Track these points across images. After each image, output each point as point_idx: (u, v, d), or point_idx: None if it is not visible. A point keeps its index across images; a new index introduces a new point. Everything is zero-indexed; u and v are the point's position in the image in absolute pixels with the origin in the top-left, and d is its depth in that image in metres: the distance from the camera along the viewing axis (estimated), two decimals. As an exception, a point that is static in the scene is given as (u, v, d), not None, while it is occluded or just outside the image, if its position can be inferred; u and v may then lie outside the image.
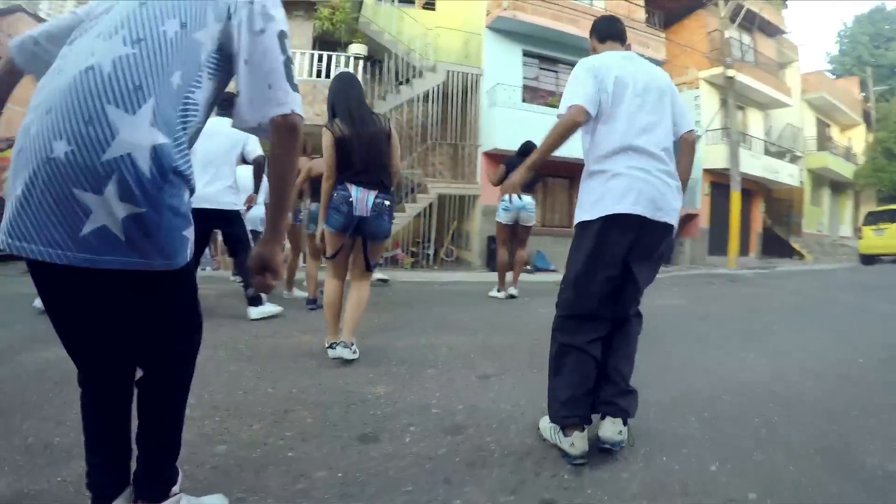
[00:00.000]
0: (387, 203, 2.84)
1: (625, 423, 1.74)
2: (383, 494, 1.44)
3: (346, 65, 9.50)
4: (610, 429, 1.70)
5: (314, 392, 2.27)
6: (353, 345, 2.76)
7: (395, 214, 10.09)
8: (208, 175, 3.94)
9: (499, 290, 5.51)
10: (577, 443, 1.64)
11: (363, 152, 2.78)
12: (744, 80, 13.49)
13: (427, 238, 10.36)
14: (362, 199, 2.78)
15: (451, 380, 2.51)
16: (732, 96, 12.32)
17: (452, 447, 1.75)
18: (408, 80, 10.19)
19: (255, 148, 4.10)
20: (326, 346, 2.83)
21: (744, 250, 15.34)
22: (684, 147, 1.93)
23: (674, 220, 1.77)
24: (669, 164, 1.80)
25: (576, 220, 1.84)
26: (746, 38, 15.21)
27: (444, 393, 2.31)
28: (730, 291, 6.65)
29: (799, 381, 2.55)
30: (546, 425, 1.79)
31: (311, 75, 9.50)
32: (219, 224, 4.01)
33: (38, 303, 4.45)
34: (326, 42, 10.46)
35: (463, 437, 1.84)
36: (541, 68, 11.60)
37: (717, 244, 13.83)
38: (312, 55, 9.70)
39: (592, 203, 1.76)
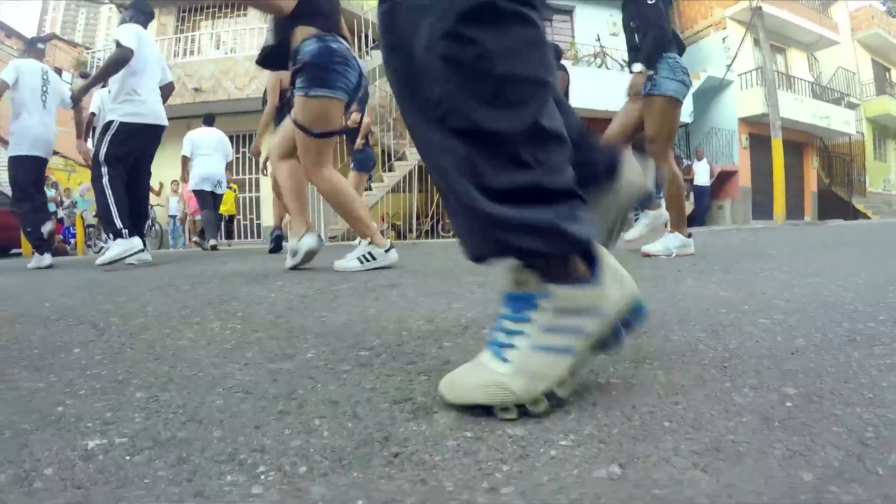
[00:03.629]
0: None
1: None
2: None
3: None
4: None
5: None
6: None
7: (373, 185, 9.26)
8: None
9: None
10: None
11: None
12: (777, 12, 11.68)
13: (411, 210, 9.25)
14: None
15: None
16: (762, 28, 10.60)
17: None
18: (376, 45, 9.14)
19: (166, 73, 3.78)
20: None
21: (797, 213, 13.34)
22: None
23: None
24: None
25: None
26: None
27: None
28: (730, 236, 4.80)
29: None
30: None
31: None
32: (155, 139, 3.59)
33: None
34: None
35: None
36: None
37: (763, 206, 11.92)
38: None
39: None
